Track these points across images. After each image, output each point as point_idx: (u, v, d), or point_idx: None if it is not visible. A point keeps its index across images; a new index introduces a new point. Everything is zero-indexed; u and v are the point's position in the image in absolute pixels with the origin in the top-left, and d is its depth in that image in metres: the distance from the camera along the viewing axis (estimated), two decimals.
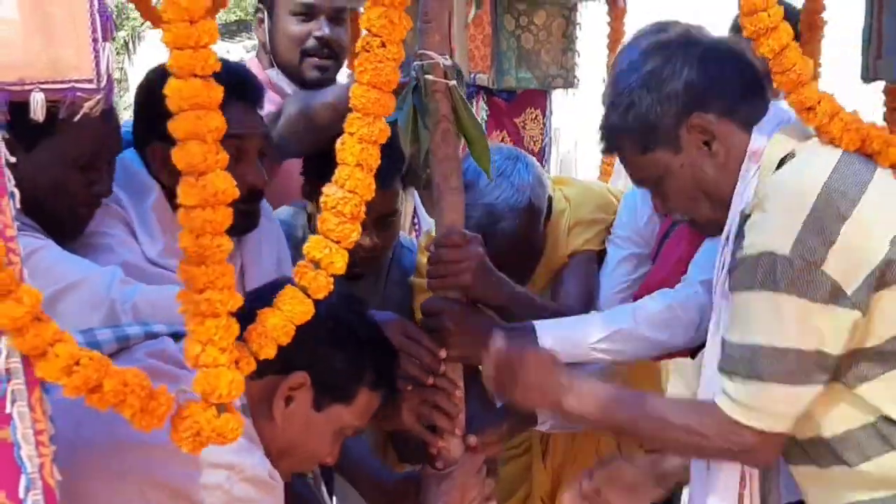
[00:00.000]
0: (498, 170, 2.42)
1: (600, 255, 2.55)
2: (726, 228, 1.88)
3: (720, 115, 1.85)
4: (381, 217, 2.45)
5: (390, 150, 2.39)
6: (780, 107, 1.92)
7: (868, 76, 2.51)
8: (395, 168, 2.39)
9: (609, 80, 2.00)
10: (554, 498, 2.73)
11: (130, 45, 11.60)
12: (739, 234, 1.79)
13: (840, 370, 1.76)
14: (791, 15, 1.91)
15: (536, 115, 4.02)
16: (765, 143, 1.84)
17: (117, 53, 10.90)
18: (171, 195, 2.15)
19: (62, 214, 1.98)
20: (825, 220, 1.67)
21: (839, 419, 1.79)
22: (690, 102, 1.85)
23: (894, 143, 1.81)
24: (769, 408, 1.75)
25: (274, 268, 2.29)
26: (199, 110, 1.34)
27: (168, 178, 2.09)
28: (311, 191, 2.51)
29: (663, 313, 2.17)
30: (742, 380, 1.75)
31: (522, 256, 2.47)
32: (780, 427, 1.77)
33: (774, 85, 1.79)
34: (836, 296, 1.68)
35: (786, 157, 1.80)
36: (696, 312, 2.14)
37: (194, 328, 1.45)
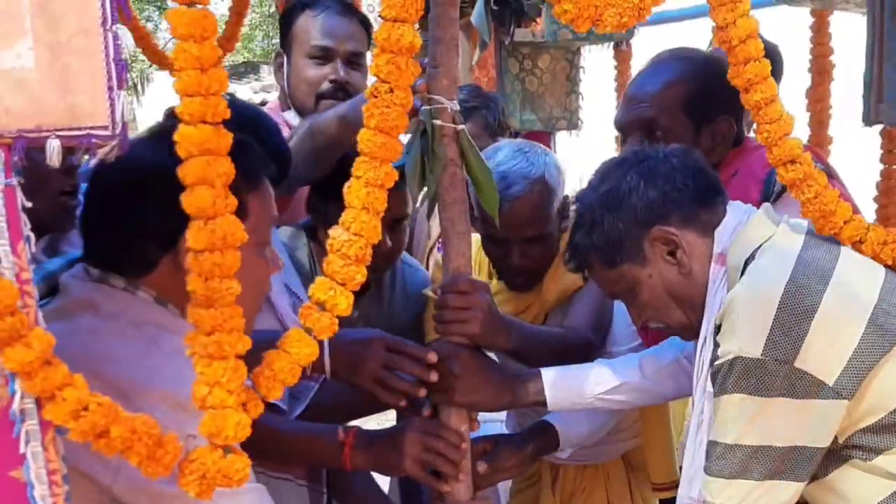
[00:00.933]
0: (517, 147, 2.47)
1: None
2: (702, 334, 1.92)
3: (680, 224, 1.92)
4: (393, 220, 2.47)
5: None
6: (738, 206, 1.96)
7: (869, 120, 2.54)
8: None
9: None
10: None
11: (139, 87, 11.68)
12: (714, 345, 1.82)
13: (848, 452, 1.80)
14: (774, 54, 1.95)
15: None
16: (726, 244, 1.90)
17: (127, 94, 10.98)
18: None
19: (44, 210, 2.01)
20: (792, 319, 1.71)
21: (868, 493, 1.81)
22: (650, 216, 1.92)
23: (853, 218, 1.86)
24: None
25: (288, 301, 2.30)
26: (209, 156, 1.36)
27: None
28: (316, 203, 2.56)
29: (671, 366, 2.19)
30: (725, 480, 1.78)
31: (533, 240, 2.47)
32: None
33: (758, 138, 1.82)
34: (817, 389, 1.71)
35: (748, 259, 1.84)
36: None
37: (202, 370, 1.47)
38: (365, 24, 2.84)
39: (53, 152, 1.32)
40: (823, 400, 1.71)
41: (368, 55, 2.84)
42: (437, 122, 1.91)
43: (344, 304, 1.59)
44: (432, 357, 2.01)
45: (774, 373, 1.71)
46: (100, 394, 1.44)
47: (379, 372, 2.00)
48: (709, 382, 1.85)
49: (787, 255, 1.80)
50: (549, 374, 2.14)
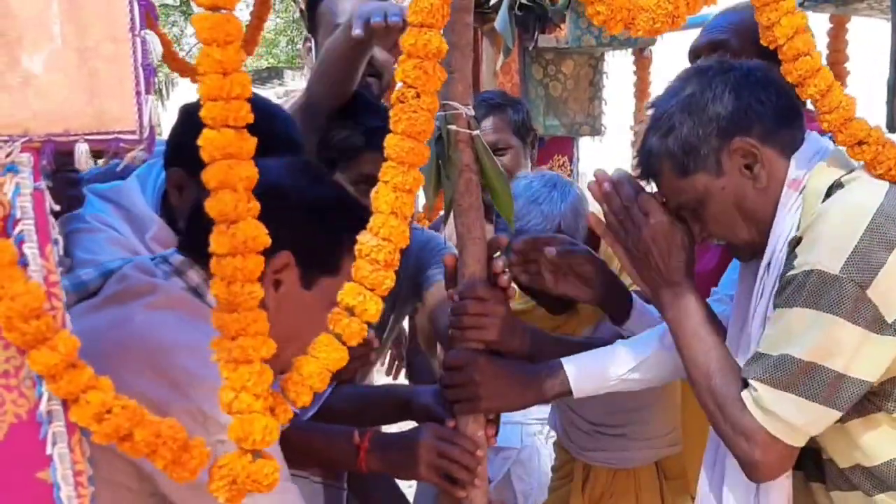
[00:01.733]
0: (532, 196, 2.46)
1: None
2: (767, 255, 1.88)
3: (760, 139, 1.87)
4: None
5: (380, 111, 2.43)
6: (816, 137, 1.93)
7: (894, 125, 2.53)
8: (386, 129, 2.45)
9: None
10: None
11: (164, 91, 11.73)
12: (788, 260, 1.79)
13: (880, 399, 1.78)
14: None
15: (564, 162, 4.06)
16: (804, 172, 1.86)
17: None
18: (172, 222, 2.21)
19: None
20: (875, 245, 1.69)
21: (884, 447, 1.80)
22: (732, 126, 1.87)
23: None
24: (789, 418, 1.76)
25: None
26: (232, 160, 1.37)
27: (177, 200, 2.21)
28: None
29: None
30: (770, 387, 1.76)
31: None
32: (790, 439, 1.78)
33: (823, 126, 1.80)
34: (878, 323, 1.70)
35: (832, 186, 1.81)
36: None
37: (228, 375, 1.47)
38: None
39: (82, 156, 1.33)
40: (882, 336, 1.70)
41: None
42: (453, 127, 1.90)
43: (373, 309, 1.59)
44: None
45: (847, 294, 1.68)
46: (154, 383, 1.50)
47: (437, 462, 2.02)
48: (769, 307, 1.83)
49: (878, 188, 1.78)
50: (570, 364, 2.13)
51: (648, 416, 2.62)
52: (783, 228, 1.86)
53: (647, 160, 1.97)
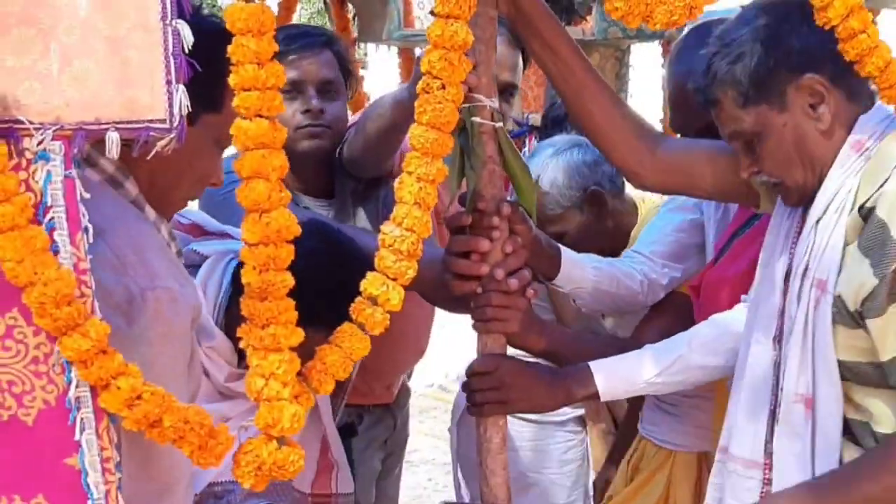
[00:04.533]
0: (554, 149, 2.50)
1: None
2: (816, 211, 1.84)
3: (830, 80, 1.82)
4: (318, 84, 2.51)
5: None
6: (886, 106, 1.87)
7: None
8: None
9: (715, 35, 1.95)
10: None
11: None
12: (872, 235, 1.74)
13: None
14: None
15: None
16: (869, 136, 1.82)
17: None
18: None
19: None
20: None
21: None
22: (805, 61, 1.82)
23: None
24: None
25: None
26: (265, 149, 1.38)
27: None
28: None
29: (719, 339, 2.16)
30: None
31: (573, 238, 2.53)
32: None
33: (884, 101, 1.76)
34: None
35: None
36: None
37: (258, 362, 1.48)
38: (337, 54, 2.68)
39: (112, 145, 1.34)
40: None
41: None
42: (477, 119, 1.91)
43: (396, 299, 1.60)
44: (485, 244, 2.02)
45: None
46: None
47: None
48: (818, 266, 1.81)
49: None
50: (598, 367, 2.13)
51: (694, 406, 2.62)
52: (837, 186, 1.82)
53: (710, 85, 1.91)
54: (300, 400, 1.55)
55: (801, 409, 1.84)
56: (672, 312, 2.45)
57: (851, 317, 1.77)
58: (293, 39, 2.54)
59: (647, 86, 4.32)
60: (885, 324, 1.73)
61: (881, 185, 1.75)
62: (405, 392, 3.20)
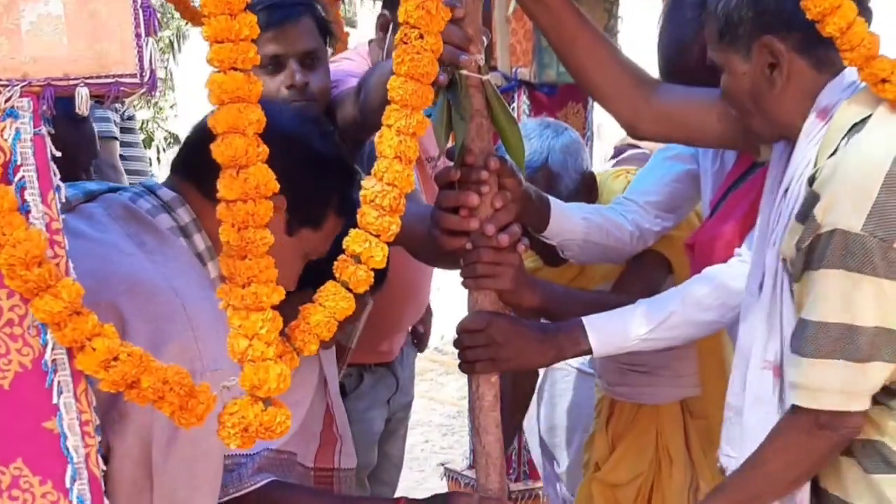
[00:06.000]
0: (524, 132, 2.46)
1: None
2: (786, 181, 1.86)
3: (796, 46, 1.83)
4: (300, 56, 2.47)
5: None
6: (852, 72, 1.88)
7: None
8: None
9: None
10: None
11: (175, 45, 11.67)
12: (807, 202, 1.75)
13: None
14: None
15: (578, 110, 4.01)
16: (834, 102, 1.82)
17: (162, 53, 10.93)
18: None
19: None
20: (893, 199, 1.66)
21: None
22: (773, 22, 1.82)
23: None
24: (834, 386, 1.73)
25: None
26: (240, 103, 1.34)
27: None
28: None
29: (712, 295, 2.16)
30: (820, 360, 1.73)
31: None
32: (855, 405, 1.74)
33: (845, 63, 1.76)
34: None
35: (855, 125, 1.77)
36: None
37: (240, 322, 1.45)
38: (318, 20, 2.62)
39: (82, 101, 1.30)
40: None
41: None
42: (464, 72, 1.87)
43: (379, 256, 1.57)
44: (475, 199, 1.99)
45: (872, 250, 1.66)
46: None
47: None
48: (785, 239, 1.81)
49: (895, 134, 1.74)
50: (590, 323, 2.12)
51: (674, 357, 2.61)
52: (803, 157, 1.83)
53: (702, 13, 1.95)
54: (285, 359, 1.53)
55: (770, 375, 1.86)
56: (650, 269, 2.44)
57: (791, 281, 1.81)
58: (271, 11, 2.47)
59: (635, 37, 4.27)
60: (798, 290, 1.77)
61: (829, 157, 1.76)
62: (408, 351, 3.18)
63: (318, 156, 1.79)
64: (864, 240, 1.67)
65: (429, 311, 3.42)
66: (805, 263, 1.75)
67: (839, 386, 1.72)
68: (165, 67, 11.22)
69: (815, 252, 1.72)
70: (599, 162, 7.18)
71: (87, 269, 1.41)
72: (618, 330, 2.13)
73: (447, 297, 4.14)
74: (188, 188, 1.72)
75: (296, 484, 2.05)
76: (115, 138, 4.25)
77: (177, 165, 1.78)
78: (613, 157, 4.17)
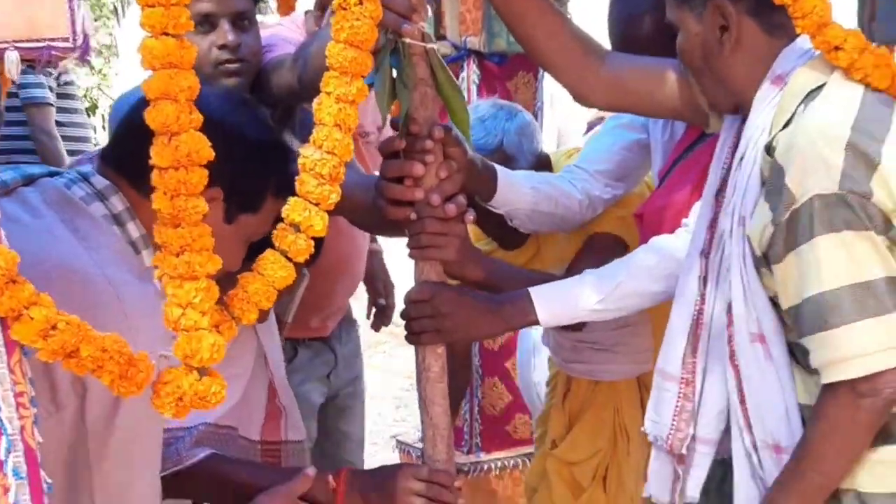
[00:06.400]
0: (478, 114, 2.46)
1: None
2: (741, 148, 1.85)
3: (748, 9, 1.83)
4: (231, 16, 2.42)
5: None
6: (807, 38, 1.88)
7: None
8: None
9: None
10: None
11: (119, 10, 11.46)
12: (774, 180, 1.74)
13: None
14: None
15: (529, 80, 3.98)
16: (789, 68, 1.82)
17: (107, 19, 10.77)
18: None
19: None
20: (858, 160, 1.66)
21: None
22: None
23: None
24: (870, 348, 1.68)
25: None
26: (172, 69, 1.32)
27: None
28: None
29: (660, 265, 2.16)
30: (850, 326, 1.68)
31: None
32: (887, 363, 1.69)
33: (798, 30, 1.75)
34: (888, 227, 1.68)
35: (811, 91, 1.77)
36: None
37: (174, 291, 1.44)
38: None
39: (13, 65, 1.28)
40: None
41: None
42: (407, 39, 1.85)
43: (319, 224, 1.56)
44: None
45: (854, 206, 1.65)
46: None
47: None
48: (743, 203, 1.80)
49: (852, 98, 1.74)
50: (538, 294, 2.11)
51: (631, 334, 2.61)
52: (758, 123, 1.82)
53: None
54: (222, 329, 1.51)
55: (759, 347, 1.84)
56: (605, 251, 2.43)
57: (758, 261, 1.79)
58: None
59: (586, 6, 4.26)
60: (782, 271, 1.74)
61: (785, 125, 1.75)
62: (348, 326, 3.15)
63: (251, 142, 1.75)
64: (844, 197, 1.66)
65: (391, 285, 3.41)
66: (788, 243, 1.72)
67: (874, 346, 1.67)
68: (110, 34, 11.04)
69: (797, 226, 1.70)
70: (551, 132, 7.18)
71: (20, 253, 1.39)
72: (565, 300, 2.13)
73: (404, 267, 4.13)
74: (120, 180, 1.68)
75: (234, 457, 2.03)
76: (50, 104, 4.16)
77: (107, 157, 1.75)
78: (587, 132, 4.17)
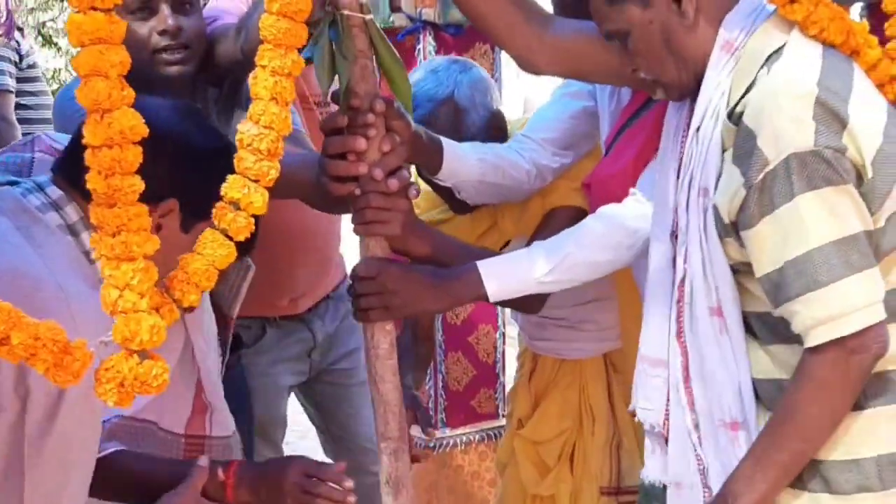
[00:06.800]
0: (431, 66, 2.42)
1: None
2: (696, 118, 1.81)
3: None
4: (172, 0, 2.34)
5: None
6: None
7: None
8: None
9: None
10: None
11: None
12: (741, 141, 1.71)
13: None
14: None
15: (486, 51, 3.94)
16: (738, 33, 1.78)
17: None
18: None
19: None
20: (828, 117, 1.65)
21: None
22: None
23: (874, 44, 1.77)
24: (859, 303, 1.67)
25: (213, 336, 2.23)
26: (101, 45, 1.29)
27: None
28: None
29: (607, 235, 2.13)
30: (836, 284, 1.66)
31: None
32: (874, 318, 1.68)
33: None
34: (859, 182, 1.67)
35: (771, 54, 1.74)
36: (644, 229, 2.09)
37: (111, 273, 1.41)
38: None
39: None
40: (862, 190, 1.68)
41: None
42: (346, 11, 1.82)
43: (259, 201, 1.53)
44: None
45: (830, 161, 1.64)
46: None
47: (304, 500, 1.94)
48: (701, 175, 1.78)
49: (813, 57, 1.72)
50: (486, 267, 2.08)
51: (596, 310, 2.59)
52: (712, 91, 1.79)
53: None
54: (162, 312, 1.48)
55: (717, 321, 1.82)
56: (566, 223, 2.40)
57: (726, 229, 1.76)
58: None
59: None
60: (757, 237, 1.71)
61: (748, 90, 1.72)
62: (336, 303, 3.04)
63: (202, 151, 1.75)
64: (820, 153, 1.63)
65: None
66: (763, 206, 1.69)
67: (863, 301, 1.66)
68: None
69: (773, 188, 1.67)
70: (517, 102, 7.15)
71: None
72: (514, 273, 2.10)
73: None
74: (73, 191, 1.68)
75: (141, 453, 2.00)
76: (10, 91, 4.11)
77: (62, 168, 1.74)
78: None
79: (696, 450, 1.85)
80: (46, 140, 2.05)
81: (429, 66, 2.45)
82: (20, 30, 4.19)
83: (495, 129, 2.48)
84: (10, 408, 1.54)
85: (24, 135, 4.19)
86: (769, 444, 1.75)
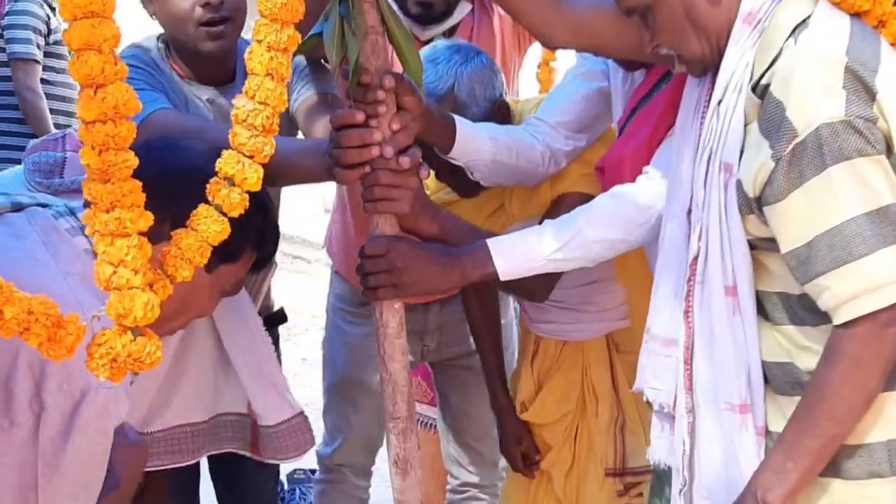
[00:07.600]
0: (431, 55, 2.38)
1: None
2: (718, 92, 1.79)
3: None
4: None
5: None
6: None
7: None
8: None
9: None
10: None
11: None
12: (772, 115, 1.68)
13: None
14: None
15: None
16: (760, 5, 1.75)
17: None
18: None
19: None
20: (858, 85, 1.62)
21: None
22: None
23: None
24: (893, 275, 1.63)
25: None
26: (94, 18, 1.27)
27: None
28: None
29: (618, 212, 2.11)
30: (873, 255, 1.62)
31: None
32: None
33: None
34: (889, 153, 1.64)
35: (797, 25, 1.71)
36: (656, 207, 2.08)
37: (105, 249, 1.40)
38: None
39: None
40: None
41: None
42: None
43: (254, 177, 1.52)
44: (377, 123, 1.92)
45: (861, 131, 1.61)
46: None
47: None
48: (722, 148, 1.75)
49: (840, 28, 1.69)
50: (495, 245, 2.05)
51: (598, 291, 2.57)
52: (734, 64, 1.76)
53: None
54: (156, 288, 1.47)
55: (731, 301, 1.79)
56: (571, 209, 2.39)
57: (749, 205, 1.72)
58: None
59: None
60: (785, 211, 1.68)
61: (774, 61, 1.69)
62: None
63: None
64: (852, 122, 1.61)
65: None
66: (791, 178, 1.66)
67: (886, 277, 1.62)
68: None
69: (803, 159, 1.64)
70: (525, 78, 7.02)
71: None
72: (524, 251, 2.07)
73: None
74: None
75: None
76: (36, 61, 4.14)
77: None
78: None
79: (683, 434, 1.84)
80: (77, 137, 2.05)
81: (430, 54, 2.40)
82: (52, 8, 4.19)
83: (499, 118, 2.45)
84: (24, 423, 1.54)
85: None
86: (800, 430, 1.71)
